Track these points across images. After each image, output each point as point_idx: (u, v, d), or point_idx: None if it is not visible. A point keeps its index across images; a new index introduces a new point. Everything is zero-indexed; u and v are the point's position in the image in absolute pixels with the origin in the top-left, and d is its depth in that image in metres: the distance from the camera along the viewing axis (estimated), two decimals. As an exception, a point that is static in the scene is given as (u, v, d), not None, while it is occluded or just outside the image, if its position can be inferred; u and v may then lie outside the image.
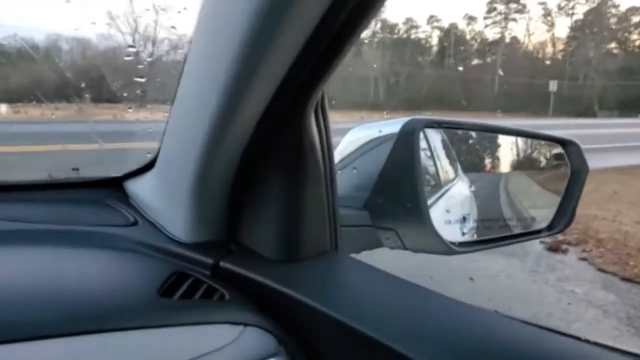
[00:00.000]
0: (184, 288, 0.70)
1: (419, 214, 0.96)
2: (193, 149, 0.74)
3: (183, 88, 0.78)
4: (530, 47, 76.44)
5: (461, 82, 64.83)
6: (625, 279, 4.52)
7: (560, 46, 74.32)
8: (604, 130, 23.12)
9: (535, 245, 5.37)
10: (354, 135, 1.14)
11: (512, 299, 3.98)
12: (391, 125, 1.04)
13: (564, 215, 1.27)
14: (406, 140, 0.99)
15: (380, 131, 1.06)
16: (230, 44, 0.60)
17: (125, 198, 1.05)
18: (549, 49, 75.22)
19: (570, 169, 1.31)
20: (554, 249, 5.31)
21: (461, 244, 1.08)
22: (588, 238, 5.74)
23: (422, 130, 1.03)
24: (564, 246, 5.41)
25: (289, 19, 0.55)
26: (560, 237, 5.69)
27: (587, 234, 5.90)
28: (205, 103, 0.69)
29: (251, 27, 0.56)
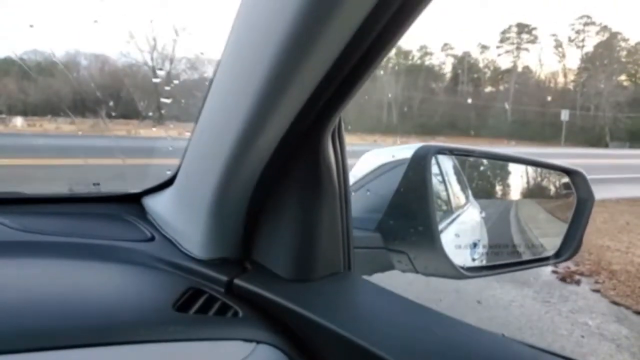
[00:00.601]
0: (198, 304, 0.72)
1: (430, 237, 0.98)
2: (213, 168, 0.76)
3: (207, 109, 0.80)
4: (542, 77, 76.67)
5: (474, 109, 64.96)
6: (638, 313, 4.44)
7: (571, 77, 74.52)
8: (617, 160, 22.97)
9: (547, 275, 5.31)
10: (368, 158, 1.16)
11: (524, 329, 3.92)
12: (404, 150, 1.06)
13: (571, 243, 1.27)
14: (418, 166, 1.01)
15: (393, 156, 1.08)
16: (256, 69, 0.62)
17: (143, 214, 1.07)
18: (561, 79, 75.37)
19: (576, 198, 1.32)
20: (566, 279, 5.24)
21: (471, 268, 1.09)
22: (601, 269, 5.67)
23: (435, 156, 1.05)
24: (577, 277, 5.35)
25: (313, 49, 0.57)
26: (573, 267, 5.63)
27: (599, 265, 5.84)
28: (227, 125, 0.71)
29: (277, 55, 0.58)
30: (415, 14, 0.58)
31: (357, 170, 1.14)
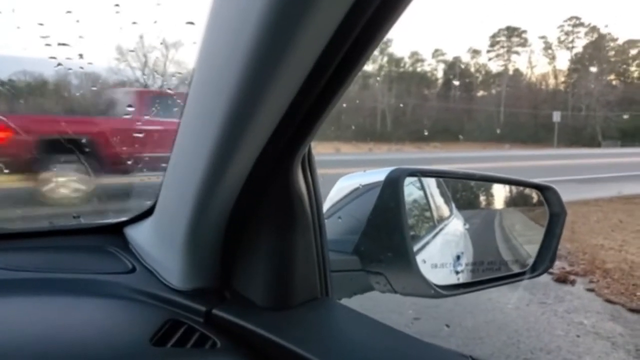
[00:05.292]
0: (176, 336, 0.72)
1: (405, 258, 1.00)
2: (188, 198, 0.76)
3: (179, 139, 0.80)
4: (533, 79, 77.16)
5: (467, 113, 65.24)
6: (632, 310, 4.49)
7: (561, 78, 75.08)
8: (609, 159, 23.10)
9: (543, 277, 5.34)
10: (343, 183, 1.17)
11: (520, 331, 3.96)
12: (377, 174, 1.08)
13: (546, 257, 1.30)
14: (391, 188, 1.03)
15: (360, 184, 1.12)
16: (221, 98, 0.61)
17: (125, 244, 1.06)
18: (552, 81, 75.92)
19: (548, 213, 1.35)
20: (562, 279, 5.29)
21: (448, 287, 1.11)
22: (595, 268, 5.72)
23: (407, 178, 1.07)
24: (572, 277, 5.40)
25: (277, 77, 0.57)
26: (568, 267, 5.70)
27: (594, 264, 5.89)
28: (198, 155, 0.71)
29: (240, 82, 0.58)
30: (376, 42, 0.58)
31: (334, 194, 1.16)
